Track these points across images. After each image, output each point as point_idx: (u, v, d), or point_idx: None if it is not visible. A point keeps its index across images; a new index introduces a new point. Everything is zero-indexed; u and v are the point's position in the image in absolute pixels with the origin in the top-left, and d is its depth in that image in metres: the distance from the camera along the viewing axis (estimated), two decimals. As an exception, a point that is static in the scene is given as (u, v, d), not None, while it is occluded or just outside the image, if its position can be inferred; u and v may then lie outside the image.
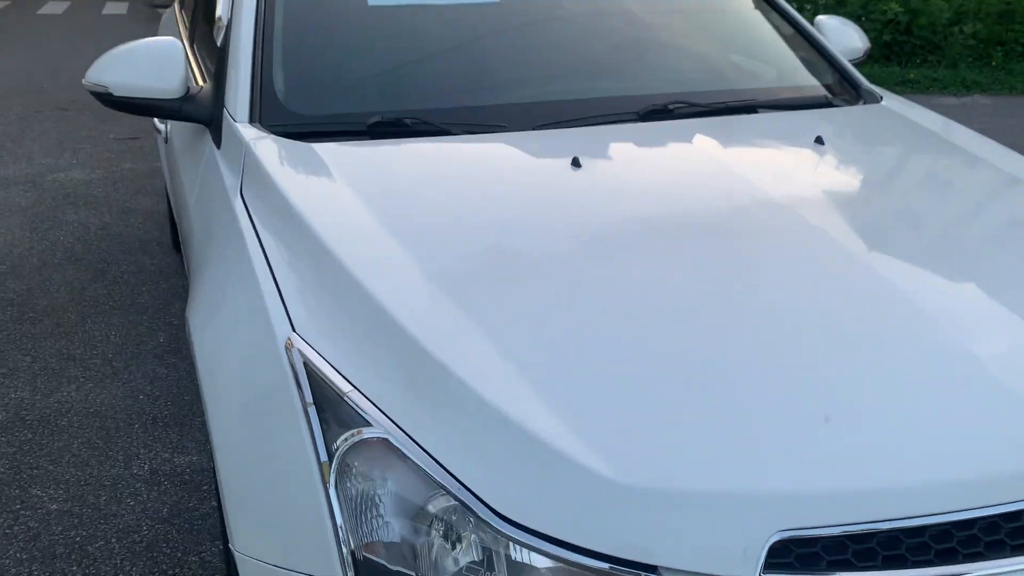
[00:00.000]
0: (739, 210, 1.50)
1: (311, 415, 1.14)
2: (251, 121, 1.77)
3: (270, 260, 1.39)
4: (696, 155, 1.75)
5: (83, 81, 2.03)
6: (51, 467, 2.48)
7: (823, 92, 2.16)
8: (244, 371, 1.28)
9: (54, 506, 2.31)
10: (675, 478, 0.99)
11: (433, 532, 1.05)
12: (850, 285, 1.30)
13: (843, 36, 2.51)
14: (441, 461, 1.05)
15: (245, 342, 1.30)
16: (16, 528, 2.23)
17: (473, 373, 1.11)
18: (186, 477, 2.44)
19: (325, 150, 1.65)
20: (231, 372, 1.31)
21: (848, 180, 1.72)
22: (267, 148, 1.65)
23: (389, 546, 1.07)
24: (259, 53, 1.88)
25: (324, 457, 1.11)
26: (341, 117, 1.80)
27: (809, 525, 0.97)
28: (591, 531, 0.99)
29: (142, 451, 2.56)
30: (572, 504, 1.00)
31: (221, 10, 2.07)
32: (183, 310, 3.31)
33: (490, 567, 1.02)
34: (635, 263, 1.35)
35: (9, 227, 4.40)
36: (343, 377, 1.15)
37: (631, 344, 1.17)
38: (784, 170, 1.70)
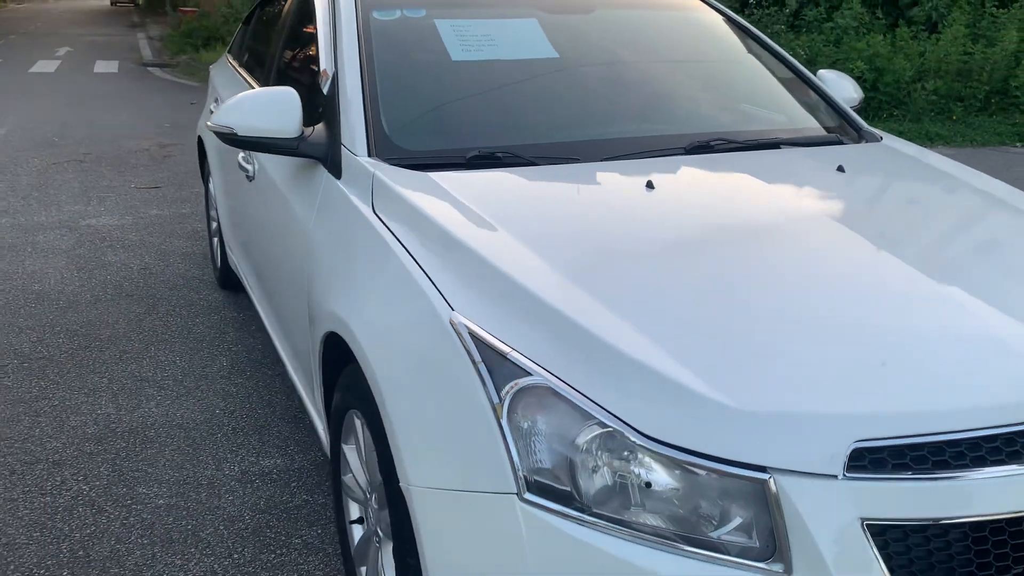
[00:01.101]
0: (790, 217, 1.87)
1: (481, 370, 1.46)
2: (369, 155, 2.11)
3: (416, 259, 1.72)
4: (743, 179, 2.12)
5: (208, 123, 2.36)
6: (150, 470, 2.74)
7: (833, 132, 2.56)
8: (414, 345, 1.59)
9: (161, 501, 2.58)
10: (777, 404, 1.33)
11: (588, 455, 1.37)
12: (886, 269, 1.67)
13: (841, 87, 2.92)
14: (593, 398, 1.37)
15: (412, 323, 1.62)
16: (132, 519, 2.49)
17: (610, 332, 1.44)
18: (274, 476, 2.71)
19: (440, 176, 1.99)
20: (402, 347, 1.62)
21: (869, 197, 2.10)
22: (392, 175, 1.99)
23: (552, 468, 1.38)
24: (367, 100, 2.23)
25: (496, 400, 1.42)
26: (443, 151, 2.15)
27: (877, 436, 1.30)
28: (715, 443, 1.31)
29: (229, 456, 2.83)
30: (699, 425, 1.32)
31: (324, 64, 2.42)
32: (237, 339, 3.63)
33: (637, 477, 1.34)
34: (718, 251, 1.71)
35: (57, 267, 4.67)
36: (501, 341, 1.48)
37: (730, 307, 1.51)
38: (817, 189, 2.08)
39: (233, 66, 3.87)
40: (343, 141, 2.18)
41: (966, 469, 1.32)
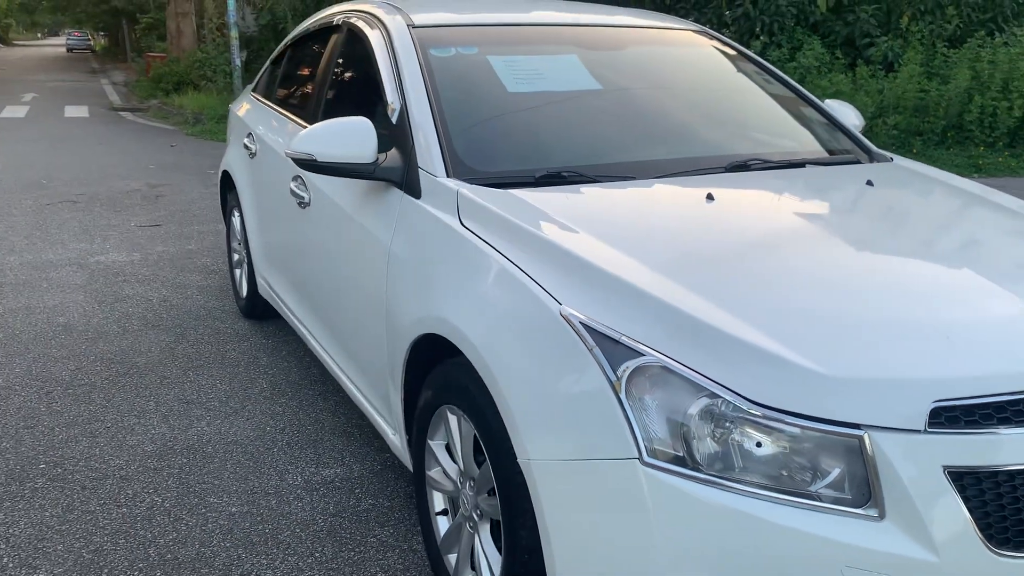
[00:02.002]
0: (837, 220, 2.12)
1: (596, 354, 1.66)
2: (448, 176, 2.32)
3: (515, 261, 1.92)
4: (787, 191, 2.37)
5: (287, 151, 2.54)
6: (216, 482, 2.87)
7: (850, 153, 2.83)
8: (526, 337, 1.78)
9: (234, 509, 2.71)
10: (865, 370, 1.54)
11: (700, 422, 1.56)
12: (930, 261, 1.92)
13: (845, 114, 3.21)
14: (702, 372, 1.58)
15: (521, 317, 1.80)
16: (210, 525, 2.62)
17: (708, 315, 1.65)
18: (337, 484, 2.86)
19: (520, 193, 2.19)
20: (513, 339, 1.80)
21: (900, 205, 2.37)
22: (477, 193, 2.19)
23: (667, 436, 1.57)
24: (438, 128, 2.44)
25: (614, 379, 1.62)
26: (513, 172, 2.35)
27: (952, 396, 1.53)
28: (813, 406, 1.51)
29: (290, 467, 2.97)
30: (798, 391, 1.53)
31: (390, 97, 2.62)
32: (271, 364, 3.79)
33: (746, 440, 1.54)
34: (785, 247, 1.95)
35: (76, 302, 4.77)
36: (610, 328, 1.68)
37: (809, 291, 1.74)
38: (854, 199, 2.34)
39: (265, 103, 4.05)
40: (420, 165, 2.38)
41: None
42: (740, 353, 1.60)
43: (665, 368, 1.60)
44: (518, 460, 1.75)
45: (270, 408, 3.44)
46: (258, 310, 4.31)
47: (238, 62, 14.82)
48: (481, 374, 1.86)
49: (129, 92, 21.62)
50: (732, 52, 3.24)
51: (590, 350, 1.67)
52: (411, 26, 2.85)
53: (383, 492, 2.81)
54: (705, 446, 1.57)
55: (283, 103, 3.80)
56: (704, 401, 1.57)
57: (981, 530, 1.49)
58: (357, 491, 2.82)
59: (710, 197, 2.21)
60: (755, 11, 11.68)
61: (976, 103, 9.89)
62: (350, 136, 2.44)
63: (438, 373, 2.14)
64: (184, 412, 3.40)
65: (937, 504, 1.48)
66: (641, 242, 1.95)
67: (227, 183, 4.52)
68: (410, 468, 2.46)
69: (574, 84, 2.74)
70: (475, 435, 2.00)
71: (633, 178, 2.38)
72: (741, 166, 2.53)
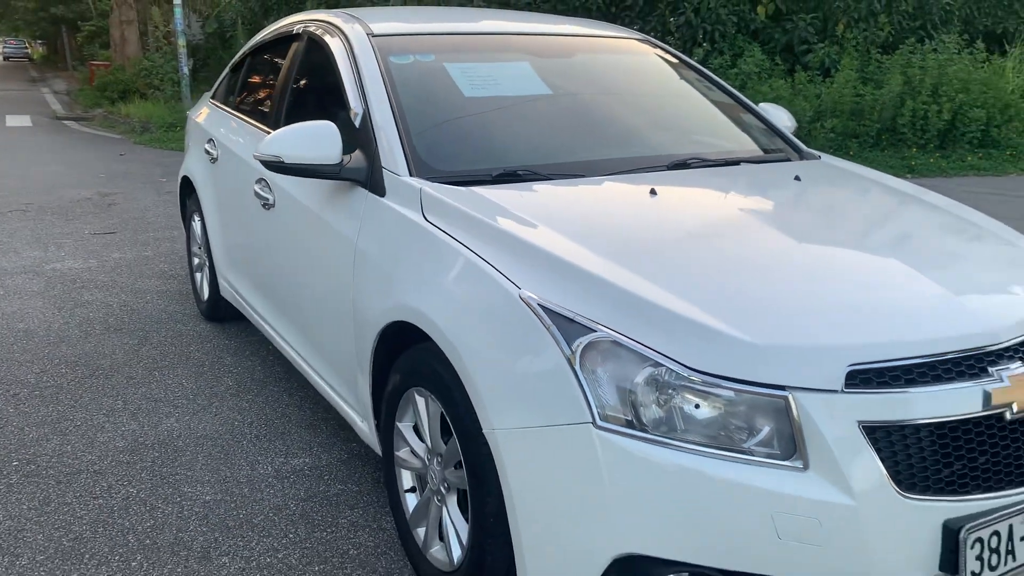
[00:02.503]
0: (768, 211, 2.33)
1: (553, 331, 1.83)
2: (411, 175, 2.48)
3: (477, 252, 2.09)
4: (724, 187, 2.57)
5: (255, 153, 2.68)
6: (188, 473, 2.98)
7: (781, 152, 3.06)
8: (489, 319, 1.94)
9: (208, 497, 2.83)
10: (789, 339, 1.74)
11: (645, 389, 1.75)
12: (849, 244, 2.14)
13: (778, 116, 3.44)
14: (646, 344, 1.76)
15: (483, 302, 1.97)
16: (186, 512, 2.73)
17: (651, 294, 1.83)
18: (307, 472, 2.99)
19: (479, 190, 2.37)
20: (477, 322, 1.96)
21: (824, 197, 2.60)
22: (438, 190, 2.36)
23: (617, 403, 1.75)
24: (400, 130, 2.60)
25: (569, 353, 1.80)
26: (472, 171, 2.52)
27: (865, 361, 1.73)
28: (744, 371, 1.70)
29: (260, 458, 3.10)
30: (730, 358, 1.71)
31: (352, 101, 2.77)
32: (235, 363, 3.90)
33: (686, 402, 1.73)
34: (721, 235, 2.14)
35: (35, 307, 4.81)
36: (565, 308, 1.86)
37: (739, 272, 1.94)
38: (783, 192, 2.56)
39: (225, 110, 4.16)
40: (384, 165, 2.54)
41: (929, 384, 1.76)
42: (680, 327, 1.79)
43: (615, 342, 1.79)
44: (483, 431, 1.92)
45: (237, 404, 3.55)
46: (220, 312, 4.40)
47: (186, 70, 14.76)
48: (448, 355, 2.02)
49: (72, 101, 21.31)
50: (673, 60, 3.46)
51: (547, 328, 1.85)
52: (370, 35, 3.01)
53: (351, 478, 2.95)
54: (651, 411, 1.75)
55: (244, 109, 3.92)
56: (649, 370, 1.76)
57: (892, 477, 1.70)
58: (326, 478, 2.96)
59: (653, 192, 2.40)
60: (697, 19, 12.02)
61: (908, 107, 10.34)
62: (316, 139, 2.58)
63: (405, 358, 2.30)
64: (152, 410, 3.49)
65: (853, 455, 1.69)
66: (592, 232, 2.14)
67: (187, 188, 4.60)
68: (379, 452, 2.61)
69: (526, 89, 2.93)
70: (442, 413, 2.16)
71: (582, 176, 2.57)
72: (681, 164, 2.73)
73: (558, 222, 2.18)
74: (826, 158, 3.10)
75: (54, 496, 2.82)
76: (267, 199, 3.22)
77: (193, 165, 4.39)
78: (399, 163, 2.51)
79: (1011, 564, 1.79)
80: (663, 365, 1.75)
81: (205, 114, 4.44)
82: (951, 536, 1.71)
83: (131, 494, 2.84)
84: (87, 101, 19.39)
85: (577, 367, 1.79)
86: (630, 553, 1.74)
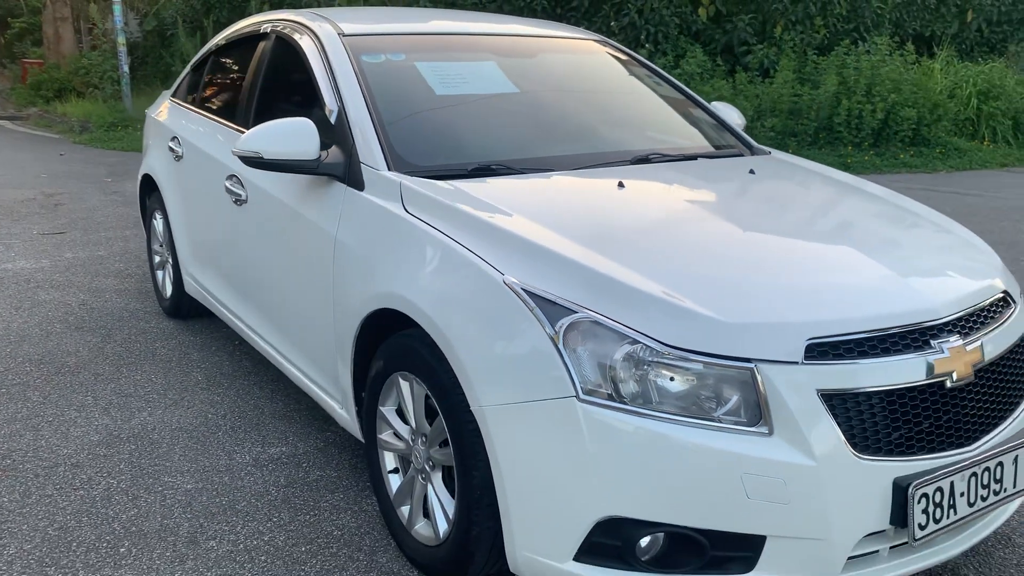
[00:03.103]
0: (727, 200, 2.51)
1: (537, 313, 1.96)
2: (389, 170, 2.59)
3: (459, 241, 2.21)
4: (684, 180, 2.74)
5: (233, 149, 2.76)
6: (167, 464, 3.04)
7: (734, 148, 3.25)
8: (473, 303, 2.06)
9: (188, 486, 2.89)
10: (753, 316, 1.90)
11: (625, 364, 1.89)
12: (802, 231, 2.32)
13: (729, 115, 3.64)
14: (624, 323, 1.91)
15: (468, 287, 2.09)
16: (168, 501, 2.80)
17: (625, 277, 1.98)
18: (284, 460, 3.08)
19: (455, 183, 2.49)
20: (462, 306, 2.07)
21: (776, 189, 2.78)
22: (417, 183, 2.47)
23: (597, 378, 1.89)
24: (376, 127, 2.71)
25: (552, 333, 1.93)
26: (448, 165, 2.64)
27: (821, 335, 1.90)
28: (714, 346, 1.86)
29: (237, 448, 3.17)
30: (701, 334, 1.87)
31: (327, 99, 2.87)
32: (203, 358, 3.95)
33: (661, 376, 1.88)
34: (685, 222, 2.31)
35: (-8, 307, 4.77)
36: (547, 291, 1.99)
37: (705, 256, 2.10)
38: (739, 184, 2.74)
39: (189, 108, 4.20)
40: (362, 160, 2.64)
41: (879, 356, 1.94)
42: (654, 307, 1.94)
43: (595, 322, 1.93)
44: (471, 408, 2.04)
45: (208, 398, 3.61)
46: (184, 309, 4.44)
47: (126, 68, 14.52)
48: (435, 339, 2.14)
49: (3, 99, 20.71)
50: (629, 60, 3.63)
51: (531, 311, 1.98)
52: (341, 35, 3.11)
53: (329, 464, 3.04)
54: (629, 385, 1.90)
55: (211, 108, 3.97)
56: (627, 347, 1.90)
57: (848, 440, 1.87)
58: (304, 465, 3.04)
59: (621, 184, 2.55)
60: (641, 20, 12.29)
61: (844, 106, 10.73)
62: (294, 135, 2.67)
63: (389, 344, 2.41)
64: (124, 404, 3.53)
65: (813, 420, 1.86)
66: (567, 222, 2.28)
67: (148, 186, 4.62)
68: (359, 438, 2.71)
69: (494, 88, 3.06)
70: (426, 395, 2.28)
71: (552, 170, 2.71)
72: (643, 159, 2.89)
73: (534, 213, 2.31)
74: (776, 153, 3.30)
75: (34, 489, 2.86)
76: (239, 195, 3.29)
77: (155, 163, 4.42)
78: (377, 158, 2.62)
79: (953, 517, 1.98)
80: (640, 342, 1.89)
81: (166, 112, 4.46)
82: (900, 492, 1.89)
83: (112, 485, 2.89)
84: (20, 100, 18.86)
85: (561, 346, 1.92)
86: (612, 516, 1.89)
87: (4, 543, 2.55)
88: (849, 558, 1.92)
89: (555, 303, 1.97)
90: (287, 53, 3.33)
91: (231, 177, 3.38)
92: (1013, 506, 2.32)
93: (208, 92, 4.11)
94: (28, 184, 8.92)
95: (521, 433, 1.96)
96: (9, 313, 4.69)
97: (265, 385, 3.72)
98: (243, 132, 3.33)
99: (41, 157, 11.18)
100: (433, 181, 2.50)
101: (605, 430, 1.87)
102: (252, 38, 3.75)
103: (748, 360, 1.87)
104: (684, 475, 1.85)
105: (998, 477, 2.05)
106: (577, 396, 1.89)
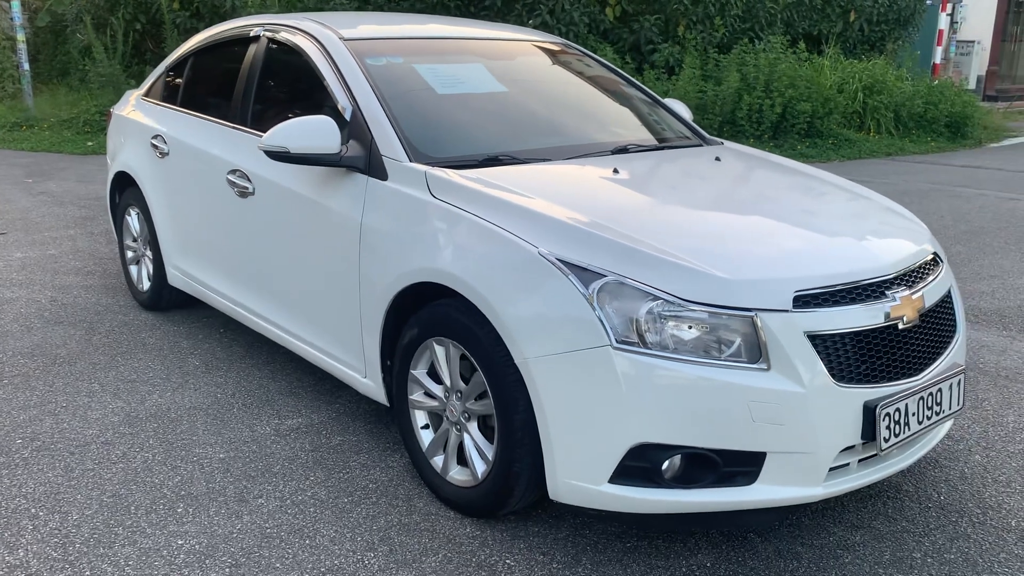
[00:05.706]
0: (706, 183, 2.96)
1: (572, 278, 2.34)
2: (411, 161, 2.91)
3: (490, 220, 2.57)
4: (666, 166, 3.17)
5: (259, 145, 3.02)
6: (194, 438, 3.28)
7: (690, 139, 3.71)
8: (512, 273, 2.42)
9: (221, 455, 3.14)
10: (753, 274, 2.33)
11: (648, 317, 2.28)
12: (767, 205, 2.78)
13: (681, 110, 4.11)
14: (647, 283, 2.31)
15: (507, 258, 2.43)
16: (207, 468, 3.04)
17: (644, 246, 2.38)
18: (304, 429, 3.36)
19: (473, 172, 2.84)
20: (502, 275, 2.42)
21: (744, 173, 3.24)
22: (442, 172, 2.81)
23: (626, 331, 2.28)
24: (392, 122, 3.03)
25: (587, 294, 2.31)
26: (461, 156, 2.98)
27: (805, 288, 2.35)
28: (722, 299, 2.28)
29: (256, 422, 3.42)
30: (711, 290, 2.28)
31: (339, 98, 3.17)
32: (194, 346, 4.18)
33: (681, 326, 2.28)
34: (681, 199, 2.74)
35: (-39, 306, 4.81)
36: (580, 260, 2.38)
37: (705, 227, 2.53)
38: (711, 169, 3.19)
39: (170, 107, 4.38)
40: (383, 153, 2.96)
41: (849, 304, 2.40)
42: (669, 269, 2.34)
43: (621, 283, 2.32)
44: (515, 361, 2.40)
45: (212, 380, 3.83)
46: (163, 302, 4.61)
47: (27, 66, 14.08)
48: (478, 304, 2.49)
49: None
50: (592, 61, 4.04)
51: (567, 276, 2.36)
52: (342, 39, 3.40)
53: (347, 431, 3.34)
54: (652, 334, 2.30)
55: (198, 107, 4.17)
56: (650, 303, 2.30)
57: (829, 371, 2.32)
58: (324, 432, 3.33)
59: (616, 170, 2.96)
60: (552, 20, 12.77)
61: (745, 102, 11.47)
62: (318, 131, 2.97)
63: (424, 314, 2.74)
64: (132, 389, 3.72)
65: (801, 356, 2.30)
66: (579, 202, 2.66)
67: (122, 184, 4.76)
68: (382, 402, 3.03)
69: (485, 87, 3.41)
70: (461, 356, 2.62)
71: (549, 160, 3.09)
72: (622, 149, 3.30)
73: (550, 195, 2.69)
74: (728, 144, 3.77)
75: (75, 464, 3.06)
76: (245, 187, 3.54)
77: (133, 160, 4.56)
78: (398, 151, 2.94)
79: (907, 432, 2.46)
80: (660, 298, 2.30)
81: (141, 112, 4.62)
82: (870, 413, 2.36)
83: (148, 458, 3.11)
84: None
85: (595, 304, 2.31)
86: (642, 442, 2.28)
87: (66, 511, 2.76)
88: (829, 469, 2.38)
89: (587, 269, 2.36)
90: (284, 56, 3.59)
91: (234, 171, 3.61)
92: (944, 429, 2.84)
93: (195, 92, 4.30)
94: (-55, 186, 8.69)
95: (563, 378, 2.33)
96: (-20, 311, 4.74)
97: (263, 367, 3.97)
98: (242, 129, 3.60)
99: (-52, 159, 10.81)
100: (455, 170, 2.85)
101: (635, 371, 2.26)
102: (239, 41, 3.98)
103: (749, 309, 2.30)
104: (701, 405, 2.26)
105: (939, 400, 2.54)
106: (612, 345, 2.27)
